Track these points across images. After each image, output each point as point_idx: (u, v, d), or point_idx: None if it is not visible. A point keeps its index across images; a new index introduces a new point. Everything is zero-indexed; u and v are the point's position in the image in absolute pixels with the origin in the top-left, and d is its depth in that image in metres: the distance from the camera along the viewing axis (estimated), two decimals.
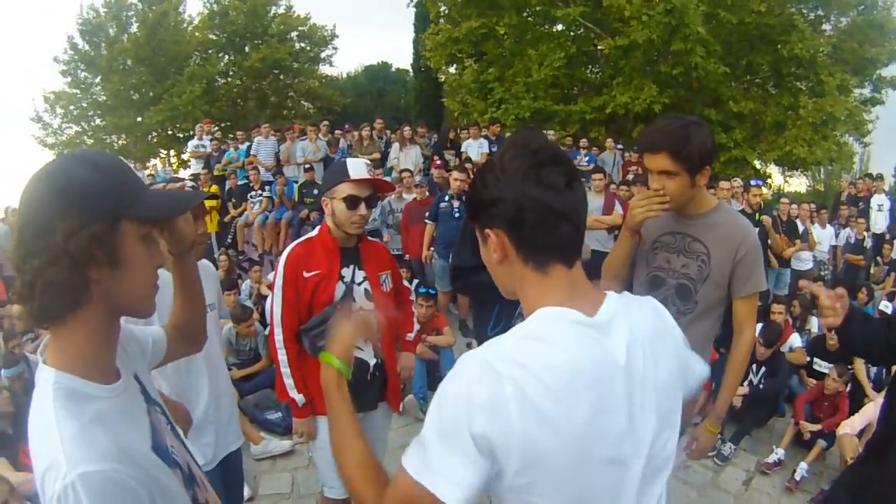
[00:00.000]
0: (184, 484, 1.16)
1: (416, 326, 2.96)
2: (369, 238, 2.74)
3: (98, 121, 23.60)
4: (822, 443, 4.46)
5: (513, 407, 0.93)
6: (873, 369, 5.29)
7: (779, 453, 4.49)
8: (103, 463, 0.93)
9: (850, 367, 5.03)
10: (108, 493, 0.92)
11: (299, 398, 2.59)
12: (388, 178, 8.81)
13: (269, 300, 6.06)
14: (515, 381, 0.94)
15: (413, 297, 3.06)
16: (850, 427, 4.25)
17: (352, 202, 2.42)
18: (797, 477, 4.24)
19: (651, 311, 1.16)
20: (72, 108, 23.23)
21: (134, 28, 22.87)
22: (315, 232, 2.62)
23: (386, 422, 2.94)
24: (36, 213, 0.97)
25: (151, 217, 1.06)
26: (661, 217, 2.20)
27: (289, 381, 2.60)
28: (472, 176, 6.81)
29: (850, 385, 4.96)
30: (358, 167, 2.45)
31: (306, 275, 2.52)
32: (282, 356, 2.59)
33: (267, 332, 5.34)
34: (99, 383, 1.04)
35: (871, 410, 4.24)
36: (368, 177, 2.45)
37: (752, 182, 7.74)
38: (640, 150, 2.33)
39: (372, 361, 2.65)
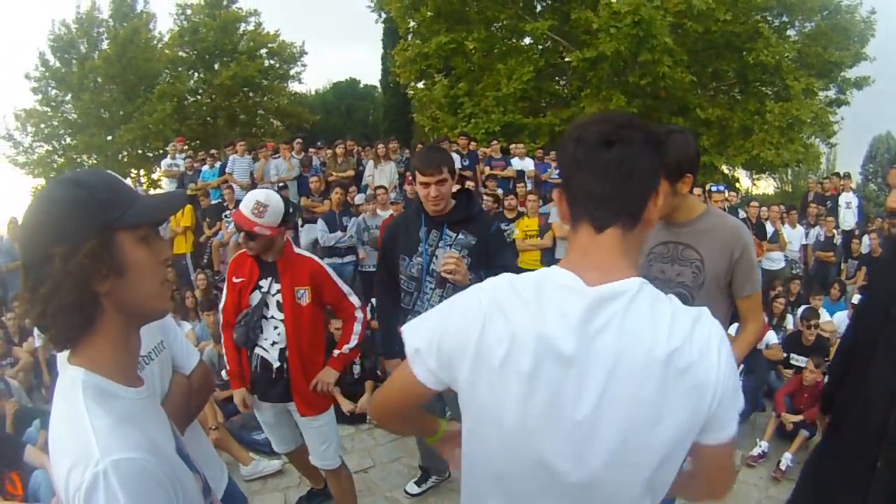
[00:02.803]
0: (202, 492, 1.18)
1: (353, 343, 3.04)
2: (301, 254, 2.99)
3: (69, 140, 23.16)
4: (804, 433, 4.54)
5: (473, 343, 1.07)
6: None
7: (763, 446, 4.57)
8: (137, 452, 0.95)
9: (826, 358, 5.11)
10: (141, 481, 0.93)
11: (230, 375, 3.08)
12: (363, 196, 8.88)
13: None
14: (485, 322, 1.07)
15: (367, 314, 3.17)
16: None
17: (243, 236, 2.79)
18: (782, 467, 4.31)
19: (664, 332, 1.03)
20: (42, 126, 22.71)
21: (105, 45, 22.58)
22: None
23: (305, 424, 3.08)
24: (33, 245, 1.00)
25: (143, 220, 1.08)
26: (655, 229, 2.15)
27: (226, 355, 3.09)
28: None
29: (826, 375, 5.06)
30: (246, 204, 2.74)
31: (235, 280, 2.96)
32: (223, 338, 3.09)
33: None
34: (125, 386, 1.08)
35: None
36: (245, 216, 2.71)
37: (713, 188, 7.71)
38: None
39: (275, 364, 2.94)
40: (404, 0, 16.41)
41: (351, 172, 9.93)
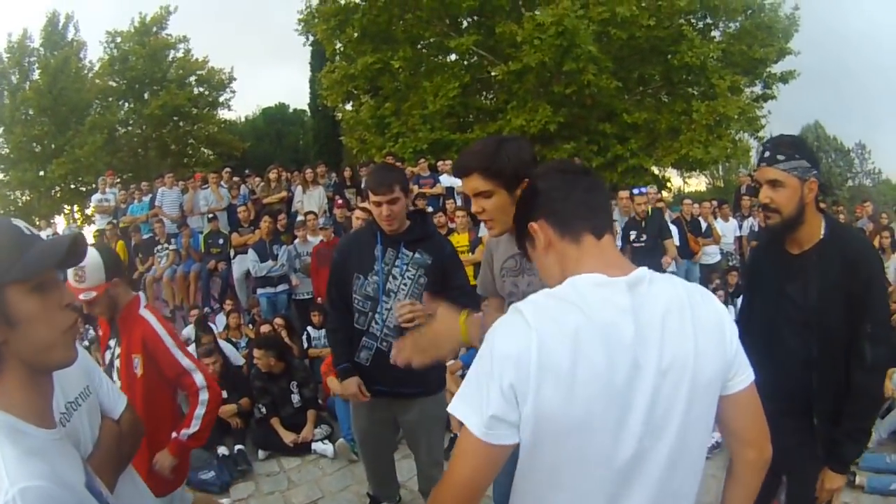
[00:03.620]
0: None
1: (193, 429, 2.59)
2: (141, 315, 2.56)
3: (1, 175, 22.84)
4: None
5: (534, 357, 1.07)
6: None
7: (715, 437, 4.54)
8: (42, 480, 0.99)
9: None
10: None
11: None
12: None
13: None
14: (540, 332, 1.08)
15: (216, 395, 2.71)
16: None
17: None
18: None
19: (681, 288, 1.23)
20: None
21: (36, 75, 22.29)
22: None
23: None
24: None
25: (31, 273, 1.09)
26: (502, 242, 2.22)
27: None
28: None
29: None
30: (69, 272, 2.43)
31: (100, 333, 2.80)
32: None
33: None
34: (36, 426, 1.10)
35: None
36: (69, 286, 2.35)
37: (635, 191, 7.87)
38: (456, 176, 2.35)
39: None
40: (330, 22, 16.27)
41: (284, 194, 9.86)
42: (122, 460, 1.67)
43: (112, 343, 2.61)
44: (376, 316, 2.90)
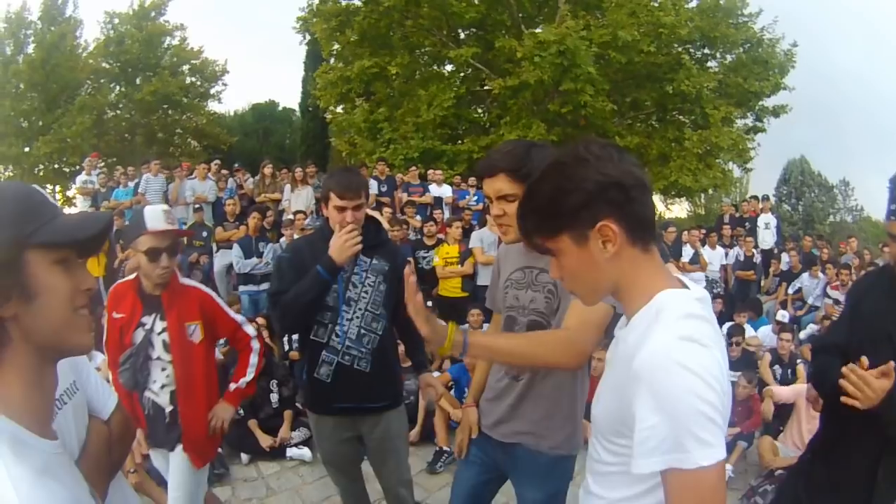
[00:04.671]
0: None
1: (250, 376, 2.79)
2: (186, 283, 2.67)
3: None
4: (742, 444, 4.77)
5: (724, 371, 1.05)
6: (778, 370, 5.72)
7: (728, 469, 4.53)
8: None
9: (756, 371, 5.44)
10: None
11: None
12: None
13: None
14: (717, 348, 1.06)
15: (263, 344, 2.85)
16: (775, 392, 4.89)
17: (153, 254, 2.43)
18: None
19: None
20: None
21: (31, 49, 21.90)
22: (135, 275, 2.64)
23: (186, 470, 2.66)
24: None
25: (60, 240, 0.94)
26: (513, 253, 2.13)
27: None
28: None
29: (757, 387, 5.24)
30: (155, 217, 2.46)
31: (115, 315, 2.59)
32: (111, 377, 2.64)
33: None
34: (39, 437, 0.93)
35: (801, 388, 4.70)
36: (166, 227, 2.47)
37: None
38: (478, 176, 2.23)
39: (168, 408, 2.62)
40: (331, 22, 16.27)
41: (279, 195, 9.72)
42: (114, 466, 1.50)
43: (148, 319, 2.56)
44: (336, 328, 2.68)
